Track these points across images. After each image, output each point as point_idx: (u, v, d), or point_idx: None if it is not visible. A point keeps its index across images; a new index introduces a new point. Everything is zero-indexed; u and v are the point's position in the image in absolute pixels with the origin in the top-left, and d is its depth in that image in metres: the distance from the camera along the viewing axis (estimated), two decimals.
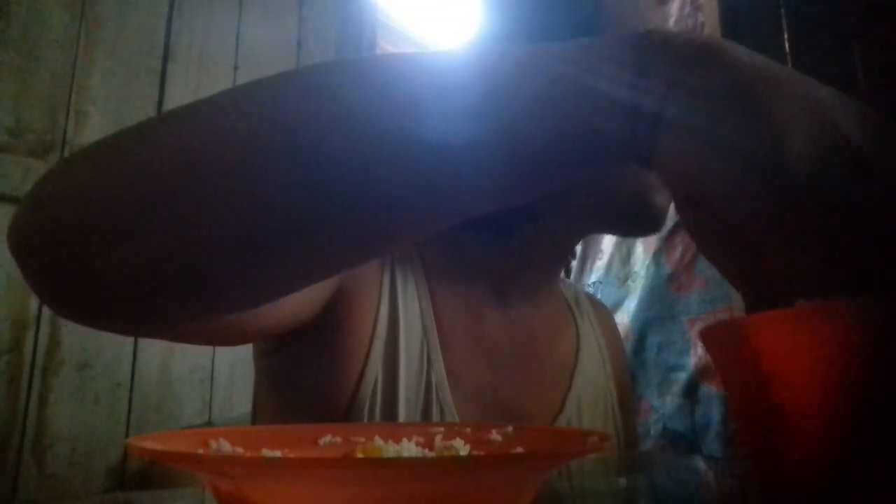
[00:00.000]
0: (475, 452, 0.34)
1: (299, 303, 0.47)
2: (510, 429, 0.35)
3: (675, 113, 0.24)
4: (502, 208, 0.28)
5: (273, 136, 0.25)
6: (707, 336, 0.26)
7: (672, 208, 0.51)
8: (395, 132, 0.25)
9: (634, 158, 0.26)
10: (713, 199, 0.24)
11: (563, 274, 0.70)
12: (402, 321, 0.54)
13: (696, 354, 1.49)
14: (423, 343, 0.54)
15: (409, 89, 0.26)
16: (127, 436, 1.34)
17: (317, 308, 0.51)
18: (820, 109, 0.23)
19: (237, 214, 0.25)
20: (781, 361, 0.22)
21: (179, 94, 1.52)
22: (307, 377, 0.54)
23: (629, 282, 1.77)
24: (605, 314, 0.75)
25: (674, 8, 1.71)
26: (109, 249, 0.26)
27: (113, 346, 1.35)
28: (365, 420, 0.51)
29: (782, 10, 1.34)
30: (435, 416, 0.52)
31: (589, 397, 0.63)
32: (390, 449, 0.33)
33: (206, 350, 1.41)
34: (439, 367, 0.54)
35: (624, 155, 0.25)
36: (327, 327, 0.52)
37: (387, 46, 2.00)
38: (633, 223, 0.56)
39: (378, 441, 0.34)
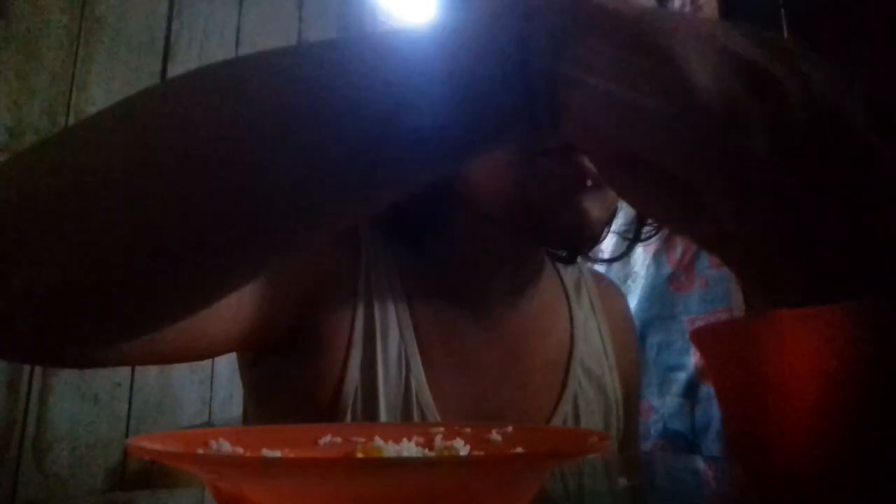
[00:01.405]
0: (475, 452, 0.34)
1: (258, 315, 0.47)
2: (510, 429, 0.35)
3: (571, 67, 0.23)
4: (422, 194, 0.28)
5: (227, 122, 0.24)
6: (698, 337, 0.26)
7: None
8: (340, 104, 0.24)
9: (540, 119, 0.25)
10: (634, 150, 0.23)
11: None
12: (378, 327, 0.53)
13: (696, 354, 1.49)
14: (401, 348, 0.53)
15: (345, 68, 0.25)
16: (127, 436, 1.34)
17: (284, 318, 0.50)
18: (714, 38, 0.22)
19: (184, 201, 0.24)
20: (772, 363, 0.22)
21: None
22: (287, 387, 0.53)
23: (629, 282, 1.77)
24: (611, 296, 0.70)
25: (674, 8, 1.71)
26: (11, 268, 0.24)
27: None
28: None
29: (782, 10, 1.34)
30: (417, 421, 0.52)
31: (587, 393, 0.60)
32: (390, 449, 0.33)
33: None
34: (418, 373, 0.53)
35: (528, 118, 0.24)
36: (303, 337, 0.52)
37: None
38: (534, 234, 0.52)
39: (378, 441, 0.34)
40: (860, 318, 0.20)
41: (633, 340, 0.71)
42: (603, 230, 0.52)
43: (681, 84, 0.21)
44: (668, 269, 1.63)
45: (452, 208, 0.56)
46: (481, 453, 0.34)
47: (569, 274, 0.67)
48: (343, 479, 0.22)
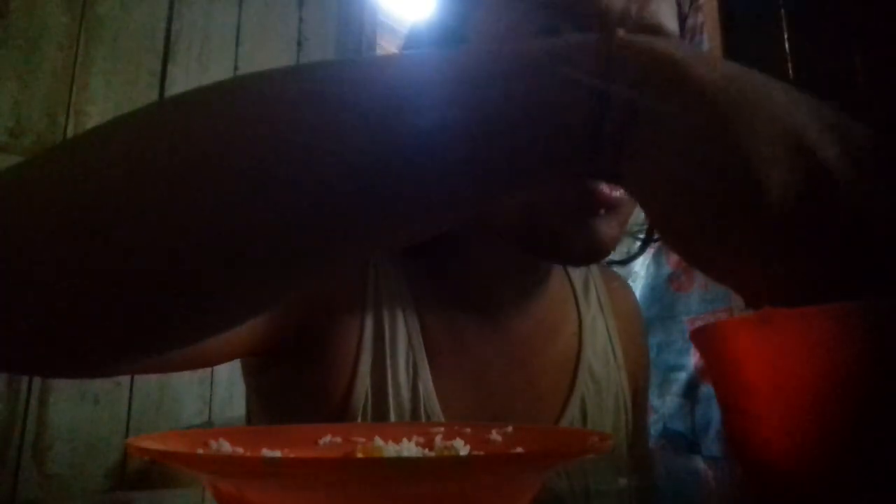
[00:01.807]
0: (475, 452, 0.34)
1: (268, 320, 0.46)
2: (510, 429, 0.35)
3: (643, 126, 0.23)
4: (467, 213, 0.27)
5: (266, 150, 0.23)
6: (697, 337, 0.26)
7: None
8: (378, 126, 0.23)
9: (599, 162, 0.24)
10: (683, 228, 0.23)
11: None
12: (387, 333, 0.53)
13: (696, 354, 1.49)
14: (410, 354, 0.53)
15: (386, 86, 0.24)
16: (127, 436, 1.34)
17: (294, 324, 0.49)
18: (793, 133, 0.22)
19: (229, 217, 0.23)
20: (771, 363, 0.22)
21: None
22: (295, 393, 0.53)
23: (629, 282, 1.77)
24: (620, 293, 0.69)
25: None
26: (20, 289, 0.23)
27: None
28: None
29: (782, 10, 1.34)
30: None
31: (595, 396, 0.60)
32: (390, 449, 0.33)
33: None
34: (426, 379, 0.53)
35: (589, 156, 0.24)
36: (312, 344, 0.51)
37: (387, 46, 1.99)
38: (538, 251, 0.51)
39: (378, 441, 0.34)
40: (859, 318, 0.20)
41: (642, 338, 0.70)
42: (614, 247, 0.50)
43: (749, 185, 0.21)
44: (668, 269, 1.63)
45: (462, 224, 0.56)
46: (481, 453, 0.34)
47: (577, 273, 0.66)
48: (343, 479, 0.22)
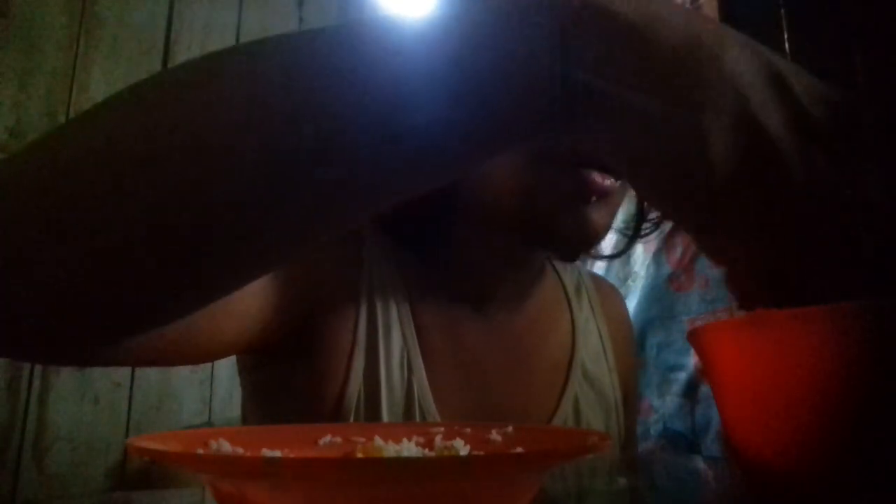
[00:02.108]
0: (475, 452, 0.34)
1: (261, 316, 0.46)
2: (510, 429, 0.35)
3: (602, 85, 0.23)
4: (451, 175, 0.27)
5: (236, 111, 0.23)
6: (694, 338, 0.26)
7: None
8: (357, 90, 0.24)
9: (564, 117, 0.24)
10: (641, 180, 0.24)
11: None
12: (381, 329, 0.53)
13: (696, 354, 1.49)
14: (404, 351, 0.53)
15: (364, 56, 0.24)
16: (127, 436, 1.34)
17: (288, 319, 0.49)
18: (740, 99, 0.22)
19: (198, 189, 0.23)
20: (768, 364, 0.22)
21: None
22: (289, 390, 0.53)
23: (629, 282, 1.76)
24: (611, 299, 0.71)
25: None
26: (12, 269, 0.24)
27: None
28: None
29: (782, 10, 1.34)
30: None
31: (588, 396, 0.61)
32: (390, 449, 0.33)
33: None
34: (420, 376, 0.53)
35: (554, 110, 0.24)
36: (306, 339, 0.51)
37: None
38: (534, 236, 0.52)
39: (378, 441, 0.34)
40: (856, 319, 0.20)
41: (631, 343, 0.72)
42: (605, 235, 0.52)
43: (696, 158, 0.22)
44: (668, 269, 1.63)
45: (455, 212, 0.57)
46: (481, 453, 0.34)
47: (569, 276, 0.68)
48: (343, 479, 0.22)
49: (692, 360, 1.49)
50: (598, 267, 1.89)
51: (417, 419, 0.52)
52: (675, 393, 1.53)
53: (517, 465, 0.24)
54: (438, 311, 0.56)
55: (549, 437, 0.37)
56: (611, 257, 0.67)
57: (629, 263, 1.77)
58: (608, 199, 0.49)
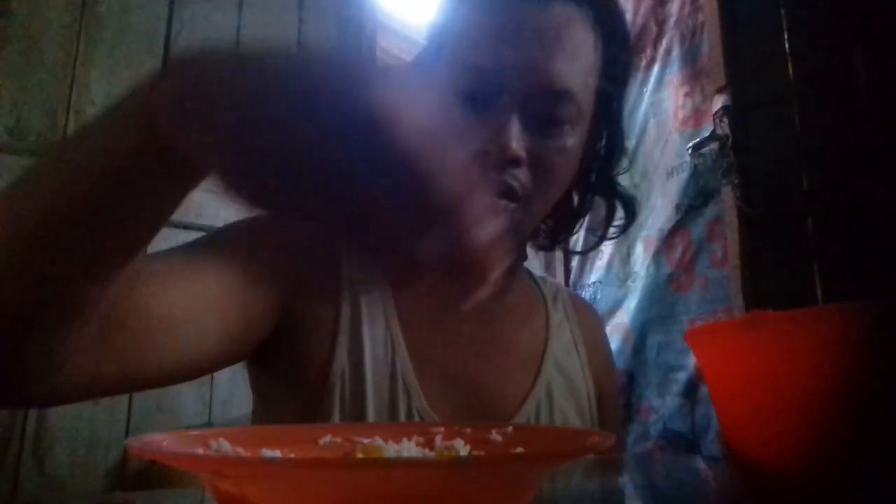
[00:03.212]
0: (475, 452, 0.34)
1: (243, 314, 0.50)
2: (510, 429, 0.35)
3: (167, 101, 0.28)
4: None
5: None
6: (692, 339, 0.26)
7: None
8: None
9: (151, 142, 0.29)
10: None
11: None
12: (364, 312, 0.56)
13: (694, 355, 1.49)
14: (387, 332, 0.56)
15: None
16: (127, 436, 1.34)
17: (270, 315, 0.53)
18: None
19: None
20: (764, 364, 0.22)
21: None
22: (279, 374, 0.56)
23: (629, 282, 1.77)
24: (588, 316, 0.75)
25: (674, 8, 1.71)
26: None
27: None
28: (335, 410, 0.53)
29: (782, 10, 1.34)
30: (402, 402, 0.54)
31: (560, 383, 0.64)
32: (390, 449, 0.33)
33: None
34: (403, 354, 0.56)
35: (142, 140, 0.29)
36: (292, 326, 0.54)
37: (387, 46, 1.99)
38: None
39: (378, 441, 0.34)
40: (850, 320, 0.20)
41: (605, 352, 0.75)
42: (520, 236, 0.57)
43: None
44: (668, 269, 1.63)
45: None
46: (481, 453, 0.34)
47: (548, 288, 0.73)
48: (343, 479, 0.22)
49: (692, 360, 1.49)
50: (599, 267, 1.89)
51: (401, 395, 0.54)
52: (675, 393, 1.53)
53: (517, 465, 0.24)
54: (419, 298, 0.59)
55: (550, 437, 0.37)
56: (580, 253, 0.73)
57: (629, 263, 1.77)
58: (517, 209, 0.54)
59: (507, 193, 0.53)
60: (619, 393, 0.79)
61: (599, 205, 0.68)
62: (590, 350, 0.69)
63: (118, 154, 0.30)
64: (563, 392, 0.63)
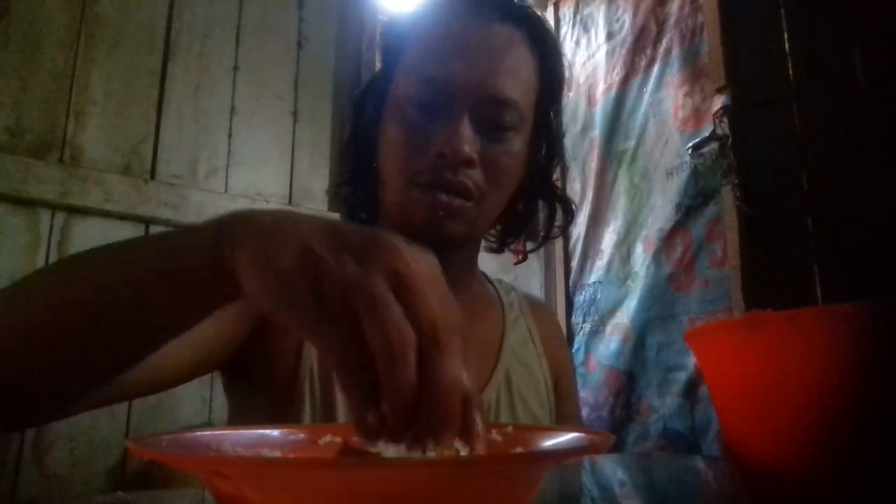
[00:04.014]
0: (475, 452, 0.34)
1: (224, 325, 0.53)
2: (510, 429, 0.35)
3: (242, 254, 0.32)
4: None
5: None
6: (691, 339, 0.26)
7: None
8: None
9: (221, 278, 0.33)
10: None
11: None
12: None
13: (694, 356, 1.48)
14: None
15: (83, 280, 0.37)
16: (127, 436, 1.34)
17: (243, 329, 0.56)
18: (301, 240, 0.30)
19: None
20: (763, 364, 0.22)
21: (179, 94, 1.52)
22: (252, 376, 0.59)
23: (629, 282, 1.76)
24: (542, 310, 0.81)
25: (674, 8, 1.71)
26: None
27: None
28: (305, 407, 0.56)
29: (782, 10, 1.34)
30: None
31: (518, 370, 0.69)
32: (390, 449, 0.33)
33: None
34: None
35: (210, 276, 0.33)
36: (262, 326, 0.57)
37: None
38: None
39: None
40: (849, 320, 0.20)
41: (560, 345, 0.81)
42: (461, 238, 0.61)
43: (273, 264, 0.30)
44: (668, 269, 1.63)
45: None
46: (481, 453, 0.34)
47: (503, 288, 0.79)
48: (342, 479, 0.22)
49: (692, 360, 1.49)
50: (599, 267, 1.89)
51: None
52: (675, 393, 1.53)
53: (517, 465, 0.24)
54: None
55: (549, 438, 0.37)
56: (531, 250, 0.79)
57: (629, 263, 1.77)
58: (458, 214, 0.60)
59: (462, 192, 0.59)
60: (576, 387, 0.87)
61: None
62: (545, 341, 0.75)
63: (183, 263, 0.34)
64: (521, 377, 0.69)
